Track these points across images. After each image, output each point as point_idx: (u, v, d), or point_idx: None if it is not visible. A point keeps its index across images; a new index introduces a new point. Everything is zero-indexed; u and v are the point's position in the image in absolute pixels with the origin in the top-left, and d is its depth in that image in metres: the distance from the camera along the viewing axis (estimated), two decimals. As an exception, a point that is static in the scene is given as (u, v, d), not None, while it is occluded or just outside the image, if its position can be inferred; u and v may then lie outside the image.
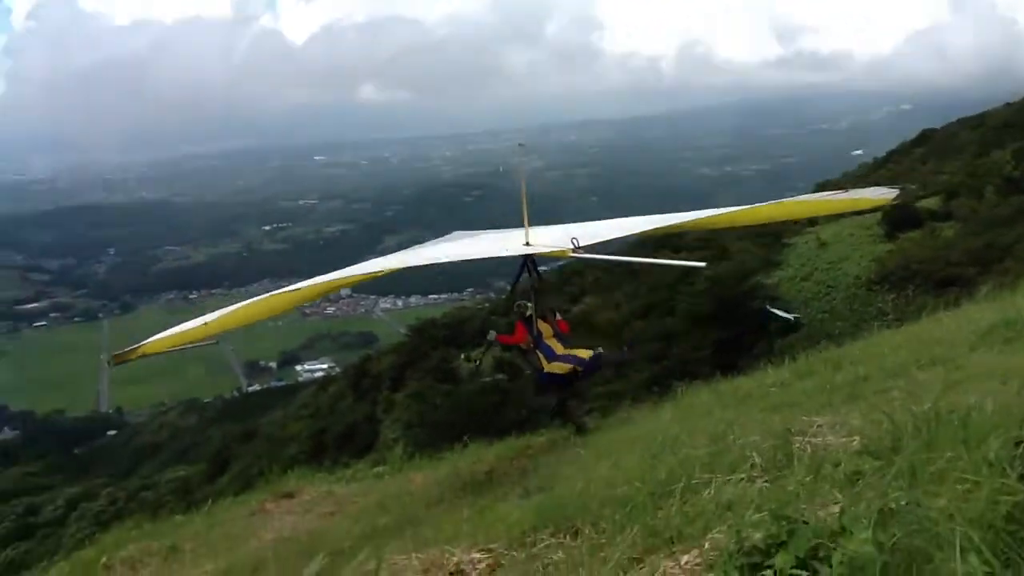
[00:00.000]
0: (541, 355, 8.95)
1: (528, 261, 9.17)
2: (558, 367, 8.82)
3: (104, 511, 46.74)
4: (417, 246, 12.40)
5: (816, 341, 16.58)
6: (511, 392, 29.54)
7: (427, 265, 10.33)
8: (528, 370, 9.62)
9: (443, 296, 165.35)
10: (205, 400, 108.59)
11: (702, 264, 12.07)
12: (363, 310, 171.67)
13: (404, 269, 10.17)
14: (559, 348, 8.97)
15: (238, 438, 49.43)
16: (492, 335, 9.39)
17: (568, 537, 3.61)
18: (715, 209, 9.99)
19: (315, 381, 75.06)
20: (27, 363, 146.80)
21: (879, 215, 40.48)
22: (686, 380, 13.19)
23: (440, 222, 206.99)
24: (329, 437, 35.10)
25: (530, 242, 8.44)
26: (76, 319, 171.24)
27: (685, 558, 2.88)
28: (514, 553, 3.63)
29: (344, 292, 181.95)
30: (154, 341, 8.69)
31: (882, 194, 11.22)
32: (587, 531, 3.58)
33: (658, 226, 9.99)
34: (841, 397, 6.21)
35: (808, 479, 3.14)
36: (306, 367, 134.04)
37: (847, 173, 73.76)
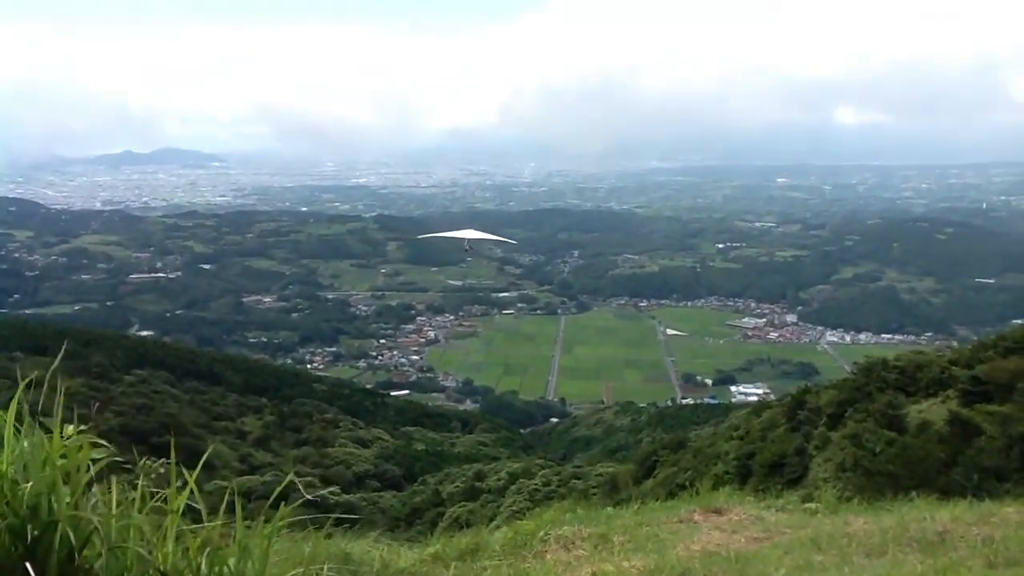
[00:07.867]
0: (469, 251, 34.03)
1: (468, 241, 31.11)
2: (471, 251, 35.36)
3: (538, 490, 50.48)
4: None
5: None
6: (962, 451, 26.45)
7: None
8: (467, 249, 32.69)
9: (898, 337, 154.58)
10: (640, 404, 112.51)
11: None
12: (807, 340, 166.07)
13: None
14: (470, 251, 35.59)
15: (667, 446, 50.31)
16: (467, 245, 32.77)
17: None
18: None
19: (748, 404, 73.97)
20: (493, 345, 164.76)
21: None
22: None
23: (904, 257, 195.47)
24: (757, 463, 34.22)
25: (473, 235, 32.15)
26: (538, 311, 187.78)
27: None
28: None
29: (790, 319, 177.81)
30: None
31: None
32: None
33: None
34: None
35: None
36: (741, 389, 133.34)
37: None
